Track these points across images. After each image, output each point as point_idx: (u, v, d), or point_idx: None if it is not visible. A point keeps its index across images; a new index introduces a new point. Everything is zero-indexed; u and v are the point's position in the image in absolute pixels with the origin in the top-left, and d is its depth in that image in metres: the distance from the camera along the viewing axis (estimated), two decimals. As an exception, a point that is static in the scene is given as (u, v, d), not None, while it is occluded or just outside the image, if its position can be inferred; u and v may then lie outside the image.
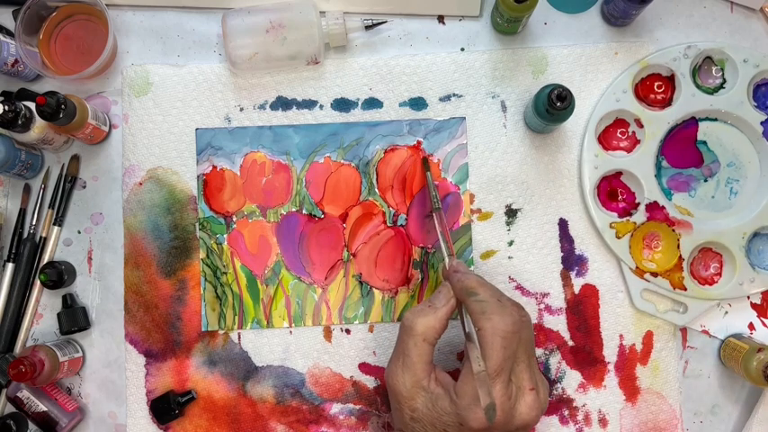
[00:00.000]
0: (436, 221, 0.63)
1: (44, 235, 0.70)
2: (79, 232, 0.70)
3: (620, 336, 0.68)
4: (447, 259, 0.60)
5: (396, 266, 0.69)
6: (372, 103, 0.70)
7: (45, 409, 0.65)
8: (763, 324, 0.68)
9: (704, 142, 0.69)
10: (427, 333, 0.53)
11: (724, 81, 0.69)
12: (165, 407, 0.67)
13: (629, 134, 0.69)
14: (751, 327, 0.68)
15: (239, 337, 0.69)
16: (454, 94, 0.70)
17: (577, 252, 0.69)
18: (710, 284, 0.67)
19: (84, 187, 0.71)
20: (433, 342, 0.54)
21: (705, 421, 0.68)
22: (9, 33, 0.69)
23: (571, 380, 0.68)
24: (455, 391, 0.52)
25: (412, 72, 0.70)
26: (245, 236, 0.69)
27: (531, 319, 0.55)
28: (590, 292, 0.68)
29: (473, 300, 0.53)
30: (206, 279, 0.69)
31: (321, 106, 0.70)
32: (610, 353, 0.68)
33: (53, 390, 0.67)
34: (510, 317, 0.52)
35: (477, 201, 0.69)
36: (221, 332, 0.69)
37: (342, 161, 0.70)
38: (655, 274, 0.67)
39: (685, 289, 0.66)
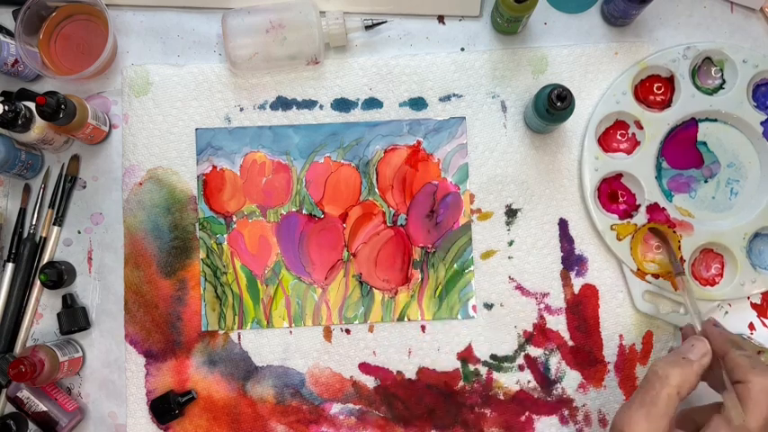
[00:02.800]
0: (681, 287, 0.62)
1: (44, 235, 0.70)
2: (79, 232, 0.70)
3: (620, 336, 0.68)
4: (694, 316, 0.58)
5: (396, 266, 0.69)
6: (372, 103, 0.70)
7: (45, 409, 0.65)
8: (764, 324, 0.68)
9: (704, 143, 0.69)
10: (682, 387, 0.50)
11: (723, 82, 0.69)
12: (165, 407, 0.67)
13: (629, 136, 0.69)
14: (751, 327, 0.68)
15: (239, 337, 0.69)
16: (454, 94, 0.70)
17: (577, 252, 0.69)
18: (712, 285, 0.67)
19: (84, 187, 0.71)
20: (684, 398, 0.51)
21: (705, 421, 0.68)
22: (9, 33, 0.69)
23: (571, 380, 0.68)
24: None
25: (412, 72, 0.70)
26: (245, 236, 0.69)
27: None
28: (590, 292, 0.68)
29: (740, 354, 0.51)
30: (206, 279, 0.69)
31: (321, 106, 0.70)
32: (610, 353, 0.68)
33: (53, 390, 0.67)
34: None
35: (477, 201, 0.69)
36: (221, 332, 0.69)
37: (342, 161, 0.70)
38: (656, 276, 0.67)
39: (685, 289, 0.66)
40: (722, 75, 0.69)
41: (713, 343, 0.54)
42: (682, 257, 0.66)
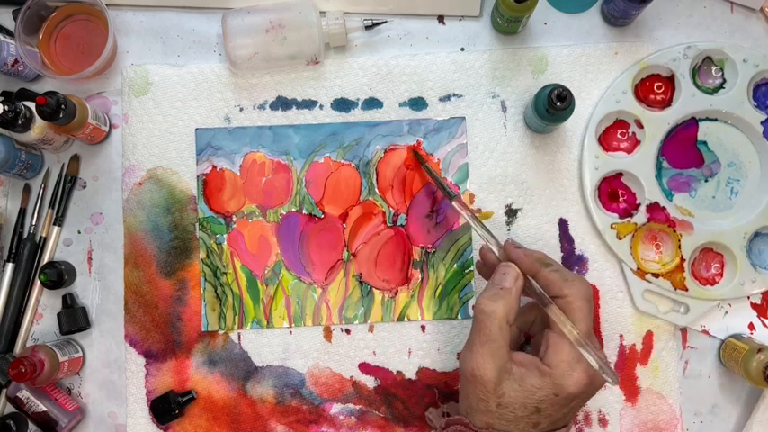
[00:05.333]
0: (458, 208, 0.62)
1: (44, 235, 0.70)
2: (79, 232, 0.70)
3: (621, 336, 0.68)
4: (490, 241, 0.59)
5: (396, 266, 0.69)
6: (372, 103, 0.70)
7: (45, 409, 0.65)
8: (763, 324, 0.68)
9: (704, 142, 0.69)
10: (509, 315, 0.53)
11: (724, 81, 0.69)
12: (165, 407, 0.67)
13: (630, 135, 0.69)
14: (751, 327, 0.68)
15: (239, 338, 0.69)
16: (454, 94, 0.70)
17: (577, 252, 0.68)
18: (712, 285, 0.67)
19: (84, 187, 0.71)
20: (512, 322, 0.54)
21: (705, 421, 0.68)
22: (9, 33, 0.69)
23: (571, 380, 0.68)
24: (546, 364, 0.52)
25: (412, 72, 0.70)
26: (245, 236, 0.69)
27: None
28: (590, 293, 0.68)
29: (550, 270, 0.54)
30: (206, 279, 0.69)
31: (321, 106, 0.70)
32: (610, 353, 0.68)
33: (53, 390, 0.67)
34: (586, 282, 0.54)
35: (477, 201, 0.69)
36: (221, 332, 0.69)
37: (342, 161, 0.70)
38: (656, 275, 0.67)
39: (687, 289, 0.66)
40: (722, 74, 0.69)
41: (521, 265, 0.55)
42: (682, 257, 0.66)
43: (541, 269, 0.55)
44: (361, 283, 0.69)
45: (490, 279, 0.56)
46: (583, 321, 0.52)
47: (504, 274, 0.55)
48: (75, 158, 0.71)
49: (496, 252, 0.58)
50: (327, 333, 0.68)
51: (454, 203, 0.62)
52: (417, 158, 0.68)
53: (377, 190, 0.69)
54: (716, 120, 0.68)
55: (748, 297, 0.68)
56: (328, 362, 0.68)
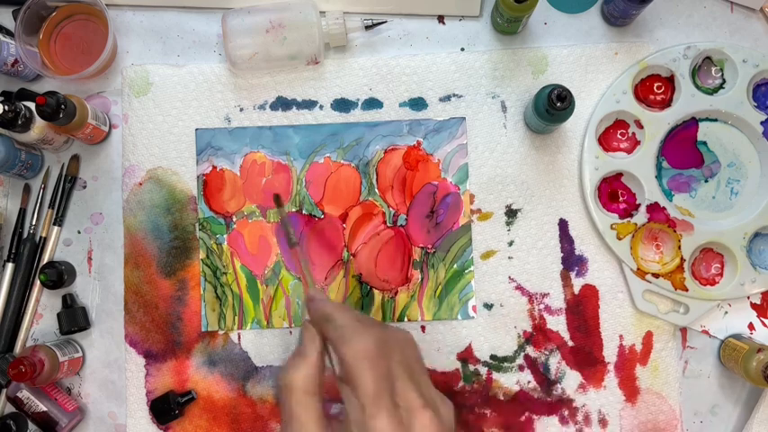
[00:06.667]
0: (299, 254, 0.57)
1: (44, 235, 0.70)
2: (79, 232, 0.70)
3: (620, 336, 0.68)
4: (308, 283, 0.53)
5: (396, 266, 0.69)
6: (372, 104, 0.70)
7: (45, 409, 0.65)
8: (763, 324, 0.68)
9: (704, 143, 0.69)
10: (307, 385, 0.46)
11: (723, 81, 0.69)
12: (165, 407, 0.67)
13: (630, 135, 0.69)
14: (751, 327, 0.68)
15: (239, 338, 0.69)
16: (454, 95, 0.70)
17: (577, 252, 0.69)
18: (712, 285, 0.67)
19: (85, 187, 0.71)
20: (317, 392, 0.47)
21: (705, 421, 0.68)
22: (9, 33, 0.69)
23: (571, 380, 0.68)
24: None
25: (412, 72, 0.70)
26: (245, 236, 0.69)
27: (414, 338, 0.49)
28: (590, 293, 0.68)
29: (331, 328, 0.47)
30: (206, 279, 0.69)
31: (321, 106, 0.70)
32: (610, 353, 0.68)
33: (53, 390, 0.67)
34: (371, 336, 0.45)
35: (477, 201, 0.69)
36: (221, 332, 0.69)
37: (342, 161, 0.70)
38: (656, 275, 0.67)
39: (687, 290, 0.66)
40: (722, 74, 0.69)
41: (313, 324, 0.49)
42: (682, 257, 0.66)
43: (325, 327, 0.47)
44: (361, 283, 0.69)
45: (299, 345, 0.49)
46: (362, 384, 0.43)
47: (302, 338, 0.49)
48: (75, 158, 0.71)
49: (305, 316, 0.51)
50: (327, 333, 0.68)
51: (295, 251, 0.57)
52: (276, 201, 0.61)
53: (377, 190, 0.69)
54: (716, 120, 0.68)
55: (748, 297, 0.68)
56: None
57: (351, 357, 0.44)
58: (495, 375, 0.68)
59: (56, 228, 0.70)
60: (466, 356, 0.68)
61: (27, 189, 0.70)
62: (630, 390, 0.67)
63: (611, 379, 0.68)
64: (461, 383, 0.68)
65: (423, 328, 0.68)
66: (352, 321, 0.46)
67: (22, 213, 0.70)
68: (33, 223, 0.70)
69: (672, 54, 0.68)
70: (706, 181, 0.69)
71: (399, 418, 0.43)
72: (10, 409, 0.67)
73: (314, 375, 0.47)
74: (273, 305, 0.69)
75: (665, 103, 0.69)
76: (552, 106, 0.61)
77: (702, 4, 0.70)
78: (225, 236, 0.69)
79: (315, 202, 0.69)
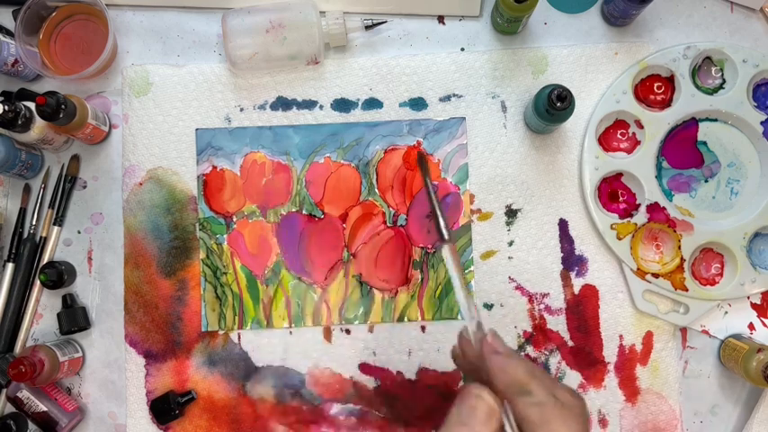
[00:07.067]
0: (449, 254, 0.47)
1: (44, 235, 0.70)
2: (79, 232, 0.70)
3: (620, 336, 0.68)
4: (470, 326, 0.42)
5: (396, 266, 0.69)
6: (372, 104, 0.70)
7: (45, 409, 0.65)
8: (763, 324, 0.68)
9: (704, 143, 0.69)
10: None
11: (723, 81, 0.69)
12: (165, 407, 0.67)
13: (630, 135, 0.69)
14: (751, 327, 0.68)
15: (239, 338, 0.69)
16: (454, 95, 0.70)
17: (577, 252, 0.69)
18: (712, 285, 0.67)
19: (85, 187, 0.71)
20: None
21: (705, 421, 0.68)
22: (9, 33, 0.69)
23: (571, 380, 0.68)
24: None
25: (412, 72, 0.70)
26: (245, 236, 0.69)
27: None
28: (590, 293, 0.68)
29: (528, 402, 0.37)
30: (206, 279, 0.69)
31: (321, 106, 0.70)
32: (610, 353, 0.68)
33: (53, 390, 0.67)
34: (576, 423, 0.37)
35: (477, 201, 0.69)
36: (221, 332, 0.69)
37: (342, 161, 0.70)
38: (656, 275, 0.67)
39: (687, 290, 0.66)
40: (722, 74, 0.69)
41: (495, 379, 0.38)
42: (682, 257, 0.66)
43: (516, 398, 0.38)
44: (361, 283, 0.69)
45: (452, 409, 0.39)
46: None
47: (472, 408, 0.38)
48: (75, 158, 0.70)
49: (472, 339, 0.41)
50: (327, 333, 0.68)
51: (445, 249, 0.48)
52: (421, 163, 0.57)
53: (377, 190, 0.69)
54: (716, 120, 0.68)
55: (748, 297, 0.68)
56: (328, 362, 0.68)
57: None
58: (495, 375, 0.68)
59: (56, 228, 0.70)
60: (466, 356, 0.68)
61: (27, 189, 0.70)
62: (630, 390, 0.67)
63: (611, 379, 0.68)
64: (461, 383, 0.68)
65: (423, 328, 0.68)
66: (551, 399, 0.37)
67: (22, 213, 0.70)
68: (33, 223, 0.70)
69: (672, 54, 0.68)
70: (706, 181, 0.69)
71: None
72: (10, 409, 0.67)
73: None
74: (273, 305, 0.69)
75: (665, 103, 0.69)
76: (552, 106, 0.61)
77: (702, 4, 0.70)
78: (225, 236, 0.69)
79: (315, 202, 0.69)
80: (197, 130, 0.70)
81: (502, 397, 0.38)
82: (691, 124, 0.68)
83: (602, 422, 0.67)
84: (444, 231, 0.49)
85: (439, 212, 0.50)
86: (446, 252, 0.47)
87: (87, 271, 0.70)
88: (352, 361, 0.68)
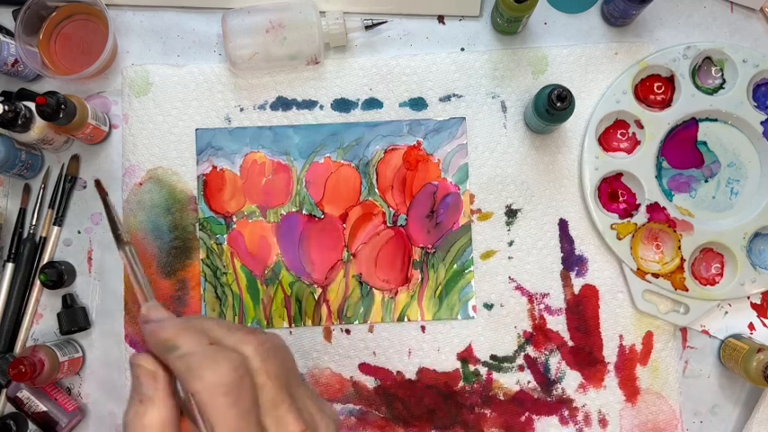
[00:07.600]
0: (125, 258, 0.41)
1: (44, 235, 0.70)
2: (79, 232, 0.70)
3: (620, 336, 0.68)
4: (139, 295, 0.40)
5: (396, 266, 0.69)
6: (372, 104, 0.70)
7: (45, 409, 0.65)
8: (763, 324, 0.68)
9: (704, 143, 0.69)
10: (167, 430, 0.36)
11: (723, 81, 0.69)
12: (165, 407, 0.67)
13: (630, 135, 0.69)
14: (751, 327, 0.68)
15: (239, 338, 0.68)
16: (454, 95, 0.70)
17: (577, 252, 0.69)
18: (712, 285, 0.67)
19: (85, 187, 0.71)
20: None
21: (705, 421, 0.68)
22: (9, 33, 0.69)
23: (571, 380, 0.68)
24: None
25: (412, 72, 0.70)
26: (245, 236, 0.69)
27: (285, 341, 0.41)
28: (590, 293, 0.68)
29: (175, 357, 0.36)
30: (206, 279, 0.69)
31: (321, 106, 0.70)
32: (610, 353, 0.68)
33: (53, 390, 0.67)
34: (227, 361, 0.35)
35: (477, 201, 0.69)
36: (221, 332, 0.68)
37: (342, 161, 0.70)
38: (656, 275, 0.67)
39: (687, 290, 0.66)
40: (722, 74, 0.69)
41: (148, 346, 0.38)
42: (682, 257, 0.66)
43: (168, 357, 0.36)
44: (361, 283, 0.69)
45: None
46: (221, 425, 0.34)
47: (136, 378, 0.37)
48: (75, 158, 0.70)
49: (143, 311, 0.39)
50: (327, 333, 0.68)
51: (123, 251, 0.41)
52: (97, 187, 0.45)
53: (377, 190, 0.69)
54: (716, 120, 0.68)
55: (748, 297, 0.68)
56: (328, 362, 0.68)
57: (203, 394, 0.34)
58: (495, 375, 0.68)
59: (56, 228, 0.70)
60: (466, 356, 0.68)
61: (27, 189, 0.70)
62: (630, 390, 0.67)
63: (611, 379, 0.68)
64: (461, 383, 0.68)
65: (423, 328, 0.68)
66: (201, 345, 0.36)
67: (22, 213, 0.70)
68: (33, 223, 0.70)
69: (672, 54, 0.68)
70: (706, 181, 0.69)
71: None
72: (10, 409, 0.67)
73: (170, 420, 0.36)
74: (273, 305, 0.69)
75: (665, 103, 0.69)
76: (552, 106, 0.61)
77: (702, 4, 0.70)
78: (225, 236, 0.69)
79: (315, 202, 0.69)
80: (197, 130, 0.70)
81: (161, 360, 0.37)
82: (691, 124, 0.68)
83: (602, 422, 0.67)
84: (122, 233, 0.42)
85: (114, 214, 0.44)
86: (123, 257, 0.42)
87: (87, 271, 0.70)
88: (351, 361, 0.68)
